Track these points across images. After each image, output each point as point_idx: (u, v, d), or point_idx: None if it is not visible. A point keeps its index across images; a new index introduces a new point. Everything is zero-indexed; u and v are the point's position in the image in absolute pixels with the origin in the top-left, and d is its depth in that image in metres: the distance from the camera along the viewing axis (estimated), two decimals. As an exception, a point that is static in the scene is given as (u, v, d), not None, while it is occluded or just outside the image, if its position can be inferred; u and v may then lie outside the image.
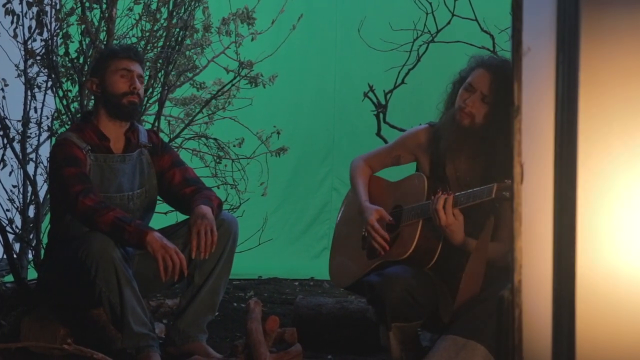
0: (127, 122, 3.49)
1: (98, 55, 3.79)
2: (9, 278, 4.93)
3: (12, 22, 4.37)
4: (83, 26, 4.28)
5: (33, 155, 4.62)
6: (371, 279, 3.14)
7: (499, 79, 3.11)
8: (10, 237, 4.36)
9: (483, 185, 2.97)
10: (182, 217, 3.65)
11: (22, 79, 4.53)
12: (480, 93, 3.14)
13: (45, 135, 4.69)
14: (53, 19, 4.34)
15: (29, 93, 4.56)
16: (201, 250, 3.21)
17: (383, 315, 3.10)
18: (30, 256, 4.70)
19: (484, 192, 2.90)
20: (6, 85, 4.47)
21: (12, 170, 4.61)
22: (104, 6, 4.30)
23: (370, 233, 3.30)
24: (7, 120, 4.42)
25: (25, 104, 4.57)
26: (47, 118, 4.64)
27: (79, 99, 4.35)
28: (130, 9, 4.60)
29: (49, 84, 4.53)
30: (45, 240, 4.00)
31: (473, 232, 3.05)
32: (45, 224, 4.37)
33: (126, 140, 3.50)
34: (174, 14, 4.52)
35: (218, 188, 4.87)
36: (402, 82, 4.74)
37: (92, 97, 4.26)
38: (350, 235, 3.53)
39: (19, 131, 4.56)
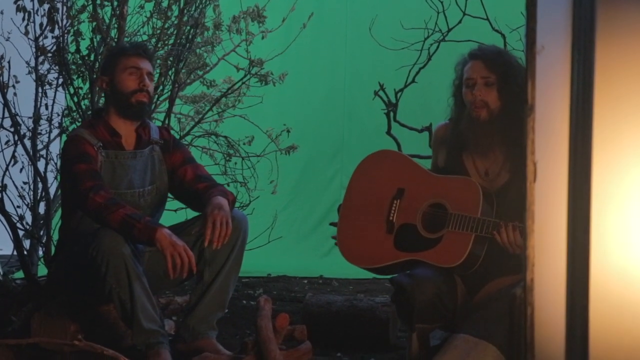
0: (137, 121, 3.50)
1: (108, 53, 3.78)
2: (20, 274, 4.94)
3: (23, 19, 4.39)
4: (94, 23, 4.29)
5: (44, 152, 4.63)
6: (401, 279, 3.09)
7: (491, 58, 3.14)
8: (21, 233, 4.37)
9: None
10: (191, 214, 3.65)
11: (33, 76, 4.55)
12: (481, 78, 3.13)
13: (56, 132, 4.71)
14: (64, 16, 4.36)
15: (39, 90, 4.58)
16: (214, 241, 3.20)
17: (409, 316, 3.08)
18: (40, 253, 4.71)
19: None
20: (17, 82, 4.48)
21: (23, 166, 4.62)
22: (115, 3, 4.31)
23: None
24: (18, 117, 4.44)
25: (36, 100, 4.59)
26: (58, 115, 4.66)
27: (89, 96, 4.36)
28: (142, 7, 4.61)
29: (60, 81, 4.54)
30: (55, 236, 4.01)
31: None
32: (56, 221, 4.39)
33: (137, 136, 3.49)
34: (185, 11, 4.53)
35: (228, 186, 4.88)
36: (413, 80, 4.72)
37: (103, 94, 4.28)
38: (370, 212, 3.37)
39: (30, 128, 4.57)
